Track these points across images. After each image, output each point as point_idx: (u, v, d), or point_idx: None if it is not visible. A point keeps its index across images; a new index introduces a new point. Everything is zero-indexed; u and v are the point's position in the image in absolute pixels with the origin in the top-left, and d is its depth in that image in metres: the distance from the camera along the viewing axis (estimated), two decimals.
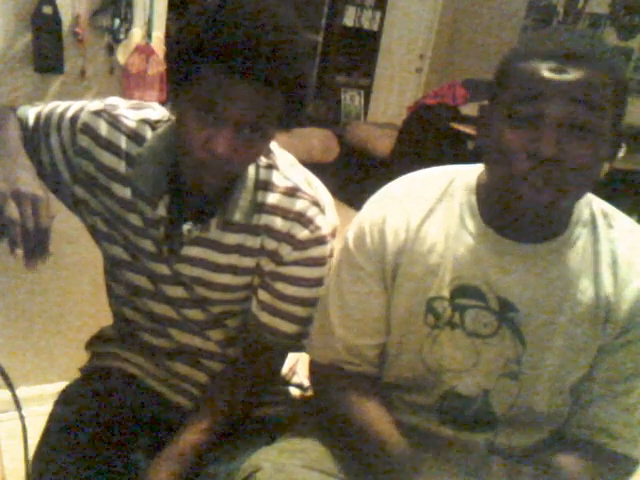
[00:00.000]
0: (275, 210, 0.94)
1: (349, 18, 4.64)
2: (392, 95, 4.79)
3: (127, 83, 1.54)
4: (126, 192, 0.95)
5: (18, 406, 0.81)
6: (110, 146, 0.94)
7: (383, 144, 3.98)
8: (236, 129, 0.82)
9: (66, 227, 1.20)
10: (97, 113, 0.95)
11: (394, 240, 0.89)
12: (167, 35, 1.57)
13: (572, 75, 0.74)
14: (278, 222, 0.94)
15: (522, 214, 0.82)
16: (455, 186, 0.91)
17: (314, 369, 1.01)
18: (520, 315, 0.86)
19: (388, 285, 0.91)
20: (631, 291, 0.85)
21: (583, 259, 0.86)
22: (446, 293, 0.88)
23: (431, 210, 0.90)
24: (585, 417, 0.90)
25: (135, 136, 0.95)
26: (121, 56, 1.51)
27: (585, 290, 0.86)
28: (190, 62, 0.81)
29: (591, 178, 0.79)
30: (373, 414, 0.91)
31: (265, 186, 0.95)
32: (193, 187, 0.90)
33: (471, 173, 0.92)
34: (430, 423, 0.96)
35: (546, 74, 0.75)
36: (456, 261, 0.87)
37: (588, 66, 0.74)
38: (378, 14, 4.68)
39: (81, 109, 0.96)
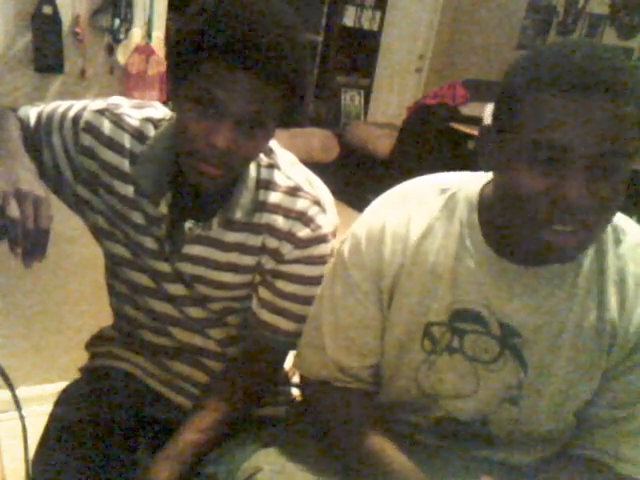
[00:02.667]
0: (276, 209, 0.94)
1: (349, 18, 4.64)
2: (392, 95, 4.79)
3: (127, 83, 1.54)
4: (129, 190, 0.95)
5: (18, 406, 0.81)
6: (113, 144, 0.95)
7: (383, 144, 3.98)
8: (236, 123, 0.82)
9: (66, 227, 1.20)
10: (100, 112, 0.95)
11: (391, 259, 0.85)
12: (167, 35, 1.57)
13: (598, 112, 0.66)
14: (279, 221, 0.94)
15: (546, 254, 0.75)
16: (456, 201, 0.85)
17: (304, 383, 0.99)
18: (523, 341, 0.83)
19: (384, 306, 0.87)
20: (638, 314, 0.81)
21: (589, 280, 0.82)
22: (444, 317, 0.85)
23: (430, 227, 0.85)
24: (591, 440, 0.87)
25: (138, 134, 0.95)
26: (121, 56, 1.51)
27: (590, 313, 0.82)
28: (191, 56, 0.81)
29: (615, 211, 0.74)
30: (366, 432, 0.88)
31: (266, 185, 0.95)
32: (194, 185, 0.90)
33: (473, 185, 0.86)
34: (427, 439, 0.95)
35: (568, 111, 0.66)
36: (456, 284, 0.83)
37: (614, 97, 0.66)
38: (378, 14, 4.69)
39: (83, 108, 0.96)
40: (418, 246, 0.85)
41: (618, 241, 0.83)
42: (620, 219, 0.84)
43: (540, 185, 0.70)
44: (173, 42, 0.85)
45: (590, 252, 0.82)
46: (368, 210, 0.91)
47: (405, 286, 0.85)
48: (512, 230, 0.77)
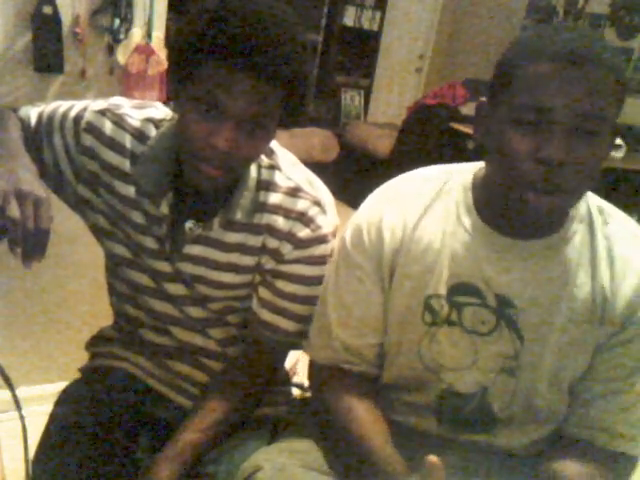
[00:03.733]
0: (277, 209, 0.95)
1: (349, 18, 4.64)
2: (392, 95, 4.79)
3: (127, 83, 1.54)
4: (130, 190, 0.95)
5: (18, 406, 0.81)
6: (115, 145, 0.95)
7: (383, 144, 3.98)
8: (237, 124, 0.82)
9: (66, 227, 1.20)
10: (101, 112, 0.95)
11: (391, 239, 0.89)
12: (167, 35, 1.57)
13: (578, 79, 0.73)
14: (280, 221, 0.94)
15: (526, 216, 0.82)
16: (451, 184, 0.91)
17: (313, 369, 1.01)
18: (518, 311, 0.87)
19: (386, 284, 0.91)
20: (627, 287, 0.85)
21: (580, 255, 0.86)
22: (443, 291, 0.88)
23: (427, 208, 0.90)
24: (584, 416, 0.90)
25: (139, 135, 0.95)
26: (121, 56, 1.51)
27: (582, 286, 0.86)
28: (192, 57, 0.81)
29: (594, 177, 0.79)
30: (368, 423, 0.91)
31: (267, 186, 0.95)
32: (195, 185, 0.90)
33: (467, 171, 0.92)
34: (429, 424, 0.96)
35: (552, 75, 0.74)
36: (453, 259, 0.87)
37: (593, 68, 0.73)
38: (378, 14, 4.69)
39: (84, 108, 0.96)
40: (416, 225, 0.89)
41: (605, 222, 0.88)
42: (605, 204, 0.90)
43: (525, 145, 0.76)
44: (174, 43, 0.85)
45: (581, 228, 0.87)
46: (367, 201, 0.95)
47: (405, 263, 0.89)
48: (501, 197, 0.83)
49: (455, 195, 0.90)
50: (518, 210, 0.81)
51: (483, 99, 0.85)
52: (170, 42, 0.87)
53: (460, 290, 0.88)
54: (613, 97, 0.75)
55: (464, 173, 0.92)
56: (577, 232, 0.87)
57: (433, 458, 0.75)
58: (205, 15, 0.81)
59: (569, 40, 0.76)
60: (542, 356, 0.88)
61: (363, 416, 0.91)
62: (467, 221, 0.88)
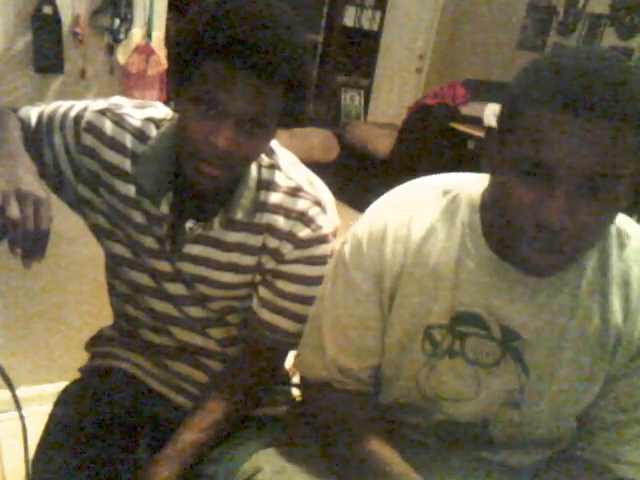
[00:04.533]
0: (277, 209, 0.95)
1: (349, 18, 4.64)
2: (392, 95, 4.79)
3: (127, 83, 1.54)
4: (130, 190, 0.95)
5: (18, 406, 0.81)
6: (115, 144, 0.95)
7: (383, 144, 3.98)
8: (237, 123, 0.82)
9: (66, 227, 1.20)
10: (102, 112, 0.95)
11: (393, 260, 0.84)
12: (167, 35, 1.57)
13: (592, 135, 0.63)
14: (280, 221, 0.94)
15: (527, 271, 0.77)
16: (458, 202, 0.84)
17: (304, 384, 0.99)
18: (524, 344, 0.82)
19: (385, 308, 0.87)
20: None
21: (592, 283, 0.81)
22: (445, 320, 0.84)
23: (432, 229, 0.84)
24: (592, 442, 0.87)
25: (140, 134, 0.95)
26: (121, 56, 1.51)
27: (593, 317, 0.81)
28: (191, 57, 0.81)
29: (603, 235, 0.73)
30: (364, 434, 0.87)
31: (268, 186, 0.95)
32: (195, 185, 0.90)
33: (475, 187, 0.85)
34: (427, 440, 0.95)
35: (555, 130, 0.65)
36: (457, 286, 0.82)
37: (605, 120, 0.63)
38: (378, 14, 4.68)
39: (85, 108, 0.96)
40: (419, 247, 0.84)
41: (622, 245, 0.82)
42: (624, 222, 0.83)
43: (525, 199, 0.69)
44: (174, 43, 0.85)
45: (594, 256, 0.81)
46: (369, 211, 0.90)
47: (406, 287, 0.84)
48: (501, 235, 0.77)
49: (461, 216, 0.83)
50: (516, 260, 0.76)
51: (494, 126, 0.79)
52: (170, 42, 0.86)
53: (463, 319, 0.83)
54: (632, 152, 0.65)
55: (472, 189, 0.85)
56: (589, 260, 0.81)
57: None
58: (205, 15, 0.81)
59: (582, 83, 0.64)
60: (548, 389, 0.84)
61: (361, 432, 0.88)
62: (473, 247, 0.82)
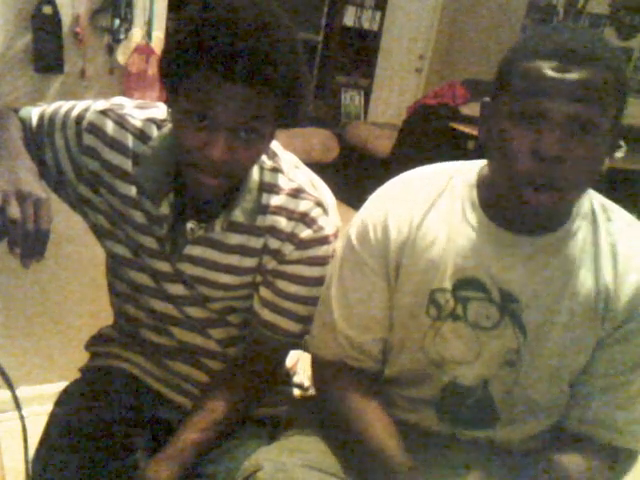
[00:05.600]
0: (279, 211, 0.95)
1: (349, 18, 4.63)
2: (392, 95, 4.79)
3: (127, 83, 1.54)
4: (131, 190, 0.95)
5: (18, 406, 0.81)
6: (117, 145, 0.95)
7: (383, 144, 3.98)
8: (231, 133, 0.81)
9: (66, 227, 1.20)
10: (103, 112, 0.95)
11: (397, 235, 0.90)
12: (167, 35, 1.57)
13: (575, 74, 0.74)
14: (282, 222, 0.95)
15: (524, 212, 0.83)
16: (456, 181, 0.92)
17: (317, 365, 1.01)
18: (521, 307, 0.87)
19: (391, 281, 0.92)
20: (630, 284, 0.86)
21: (583, 251, 0.87)
22: (448, 285, 0.89)
23: (432, 205, 0.91)
24: (584, 411, 0.90)
25: (141, 135, 0.95)
26: (121, 56, 1.51)
27: (585, 281, 0.86)
28: (180, 69, 0.80)
29: (592, 176, 0.80)
30: (375, 420, 0.91)
31: (270, 189, 0.95)
32: (196, 191, 0.90)
33: (471, 169, 0.93)
34: (429, 420, 0.97)
35: (549, 73, 0.75)
36: (458, 254, 0.88)
37: (591, 65, 0.74)
38: (378, 14, 4.68)
39: (86, 109, 0.96)
40: (421, 222, 0.90)
41: (609, 219, 0.89)
42: (608, 203, 0.92)
43: (523, 142, 0.77)
44: (162, 56, 0.84)
45: (584, 224, 0.88)
46: (372, 198, 0.96)
47: (410, 258, 0.90)
48: (502, 194, 0.84)
49: (460, 192, 0.91)
50: (517, 207, 0.82)
51: (487, 98, 0.86)
52: (160, 56, 0.85)
53: (465, 285, 0.88)
54: (612, 96, 0.75)
55: (468, 171, 0.93)
56: (580, 228, 0.88)
57: (476, 474, 0.78)
58: (188, 26, 0.80)
59: (567, 39, 0.77)
60: (543, 350, 0.89)
61: (372, 417, 0.92)
62: (472, 217, 0.89)
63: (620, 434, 0.89)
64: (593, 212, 0.89)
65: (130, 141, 0.95)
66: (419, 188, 0.93)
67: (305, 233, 0.95)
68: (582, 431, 0.91)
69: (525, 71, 0.77)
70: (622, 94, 0.77)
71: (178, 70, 0.81)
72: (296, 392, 1.18)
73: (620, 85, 0.76)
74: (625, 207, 0.92)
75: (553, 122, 0.75)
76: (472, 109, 3.56)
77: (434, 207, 0.91)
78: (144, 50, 1.52)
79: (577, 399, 0.91)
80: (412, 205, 0.91)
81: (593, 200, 0.90)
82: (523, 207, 0.80)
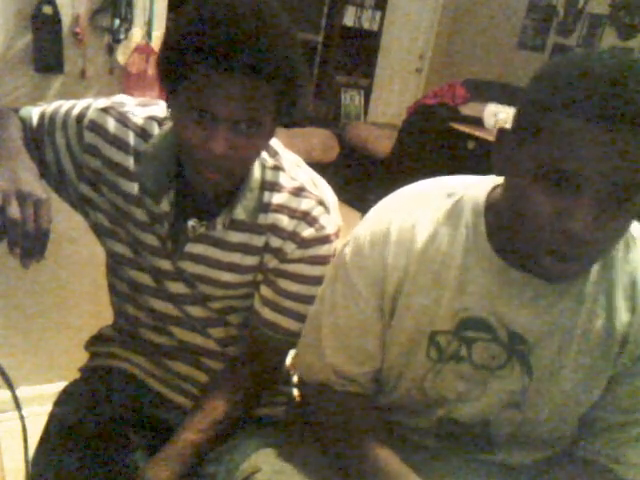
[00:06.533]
0: (281, 209, 0.95)
1: (349, 18, 4.64)
2: (392, 95, 4.79)
3: (127, 83, 1.54)
4: (133, 187, 0.95)
5: (18, 406, 0.81)
6: (118, 142, 0.95)
7: (383, 144, 3.98)
8: (232, 126, 0.82)
9: (66, 227, 1.20)
10: (104, 110, 0.95)
11: (395, 265, 0.83)
12: (165, 33, 1.57)
13: (619, 144, 0.63)
14: (284, 221, 0.94)
15: (542, 278, 0.76)
16: (462, 205, 0.83)
17: (303, 384, 0.99)
18: (529, 347, 0.83)
19: (386, 314, 0.86)
20: None
21: (596, 287, 0.81)
22: (450, 326, 0.83)
23: (436, 232, 0.83)
24: (594, 443, 0.87)
25: (143, 132, 0.95)
26: (121, 56, 1.51)
27: (597, 320, 0.81)
28: (178, 66, 0.81)
29: (618, 242, 0.73)
30: (366, 440, 0.86)
31: (271, 187, 0.95)
32: (197, 188, 0.90)
33: (480, 190, 0.84)
34: (427, 440, 0.95)
35: (585, 139, 0.63)
36: (462, 291, 0.82)
37: (636, 131, 0.62)
38: (378, 14, 4.68)
39: (87, 107, 0.96)
40: (423, 252, 0.83)
41: (628, 247, 0.82)
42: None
43: (548, 209, 0.68)
44: (161, 53, 0.84)
45: (599, 260, 0.81)
46: (371, 213, 0.89)
47: (409, 293, 0.84)
48: (516, 242, 0.75)
49: (465, 219, 0.82)
50: (532, 269, 0.75)
51: (507, 127, 0.75)
52: (158, 53, 0.85)
53: (470, 325, 0.83)
54: None
55: (476, 192, 0.84)
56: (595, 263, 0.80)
57: None
58: (186, 22, 0.80)
59: (609, 91, 0.63)
60: (551, 391, 0.84)
61: (363, 438, 0.87)
62: (478, 251, 0.81)
63: (631, 468, 0.85)
64: None
65: (131, 138, 0.95)
66: (422, 211, 0.84)
67: (307, 232, 0.95)
68: (592, 458, 0.87)
69: (555, 127, 0.65)
70: None
71: (176, 67, 0.81)
72: (296, 392, 1.17)
73: None
74: None
75: (587, 195, 0.65)
76: (472, 109, 3.56)
77: (437, 237, 0.83)
78: (144, 50, 1.52)
79: (589, 432, 0.88)
80: (414, 232, 0.83)
81: None
82: (541, 272, 0.73)
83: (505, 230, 0.78)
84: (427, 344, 0.85)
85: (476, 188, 0.84)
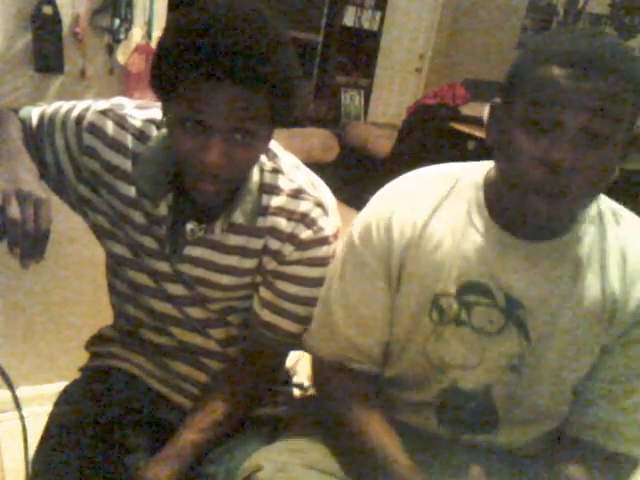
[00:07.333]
0: (279, 211, 0.95)
1: (349, 18, 4.64)
2: (392, 95, 4.79)
3: (127, 83, 1.54)
4: (131, 190, 0.95)
5: (18, 406, 0.81)
6: (116, 145, 0.95)
7: (383, 144, 3.98)
8: (226, 136, 0.81)
9: (66, 227, 1.20)
10: (103, 112, 0.95)
11: (400, 237, 0.89)
12: (157, 42, 1.57)
13: (592, 84, 0.72)
14: (282, 223, 0.94)
15: (531, 219, 0.81)
16: (462, 183, 0.90)
17: (316, 364, 1.01)
18: (526, 312, 0.86)
19: (393, 283, 0.91)
20: (639, 290, 0.84)
21: (590, 256, 0.86)
22: (452, 290, 0.88)
23: (438, 207, 0.89)
24: (586, 417, 0.90)
25: (141, 135, 0.95)
26: (121, 56, 1.51)
27: (591, 287, 0.85)
28: (170, 76, 0.80)
29: (603, 185, 0.78)
30: (374, 422, 0.91)
31: (270, 190, 0.95)
32: (195, 195, 0.90)
33: (478, 171, 0.91)
34: (429, 424, 0.96)
35: (565, 82, 0.73)
36: (463, 258, 0.87)
37: (608, 74, 0.72)
38: (378, 14, 4.68)
39: (87, 109, 0.96)
40: (426, 224, 0.89)
41: (618, 224, 0.88)
42: (617, 206, 0.90)
43: (534, 149, 0.75)
44: (154, 62, 0.83)
45: (591, 229, 0.87)
46: (376, 198, 0.94)
47: (414, 261, 0.89)
48: (509, 199, 0.82)
49: (466, 194, 0.89)
50: (524, 214, 0.80)
51: (497, 100, 0.84)
52: (151, 64, 0.84)
53: (470, 289, 0.87)
54: (627, 106, 0.73)
55: (475, 172, 0.91)
56: (587, 233, 0.86)
57: (476, 468, 0.78)
58: (174, 33, 0.79)
59: (583, 45, 0.74)
60: (547, 356, 0.88)
61: (372, 419, 0.91)
62: (478, 220, 0.88)
63: (622, 440, 0.88)
64: (601, 216, 0.87)
65: (130, 141, 0.95)
66: (424, 189, 0.91)
67: (305, 234, 0.95)
68: (584, 436, 0.90)
69: (539, 78, 0.75)
70: (638, 105, 0.75)
71: (169, 76, 0.80)
72: (296, 392, 1.18)
73: (637, 96, 0.74)
74: (626, 208, 0.91)
75: (567, 133, 0.73)
76: (472, 109, 3.56)
77: (439, 209, 0.89)
78: (144, 50, 1.52)
79: (580, 405, 0.91)
80: (417, 206, 0.89)
81: (601, 204, 0.88)
82: (531, 214, 0.79)
83: (501, 198, 0.85)
84: (430, 307, 0.89)
85: (473, 170, 0.92)
